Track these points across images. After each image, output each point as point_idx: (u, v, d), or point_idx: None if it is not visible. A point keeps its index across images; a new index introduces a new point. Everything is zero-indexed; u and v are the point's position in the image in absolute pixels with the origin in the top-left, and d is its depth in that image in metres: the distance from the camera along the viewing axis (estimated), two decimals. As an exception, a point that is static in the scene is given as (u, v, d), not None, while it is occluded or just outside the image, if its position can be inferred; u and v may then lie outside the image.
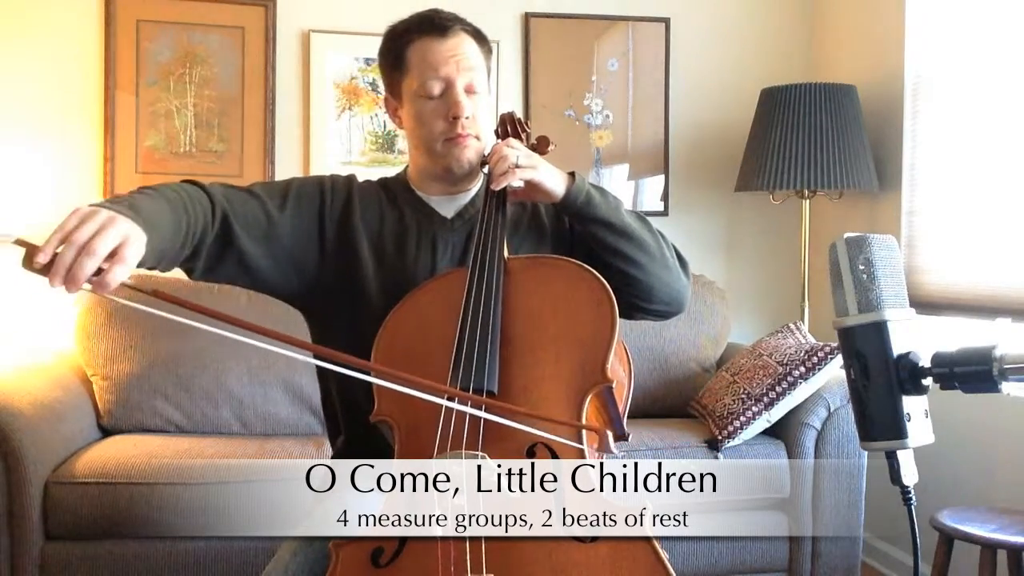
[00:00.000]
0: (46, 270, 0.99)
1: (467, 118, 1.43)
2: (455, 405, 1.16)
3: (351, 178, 1.55)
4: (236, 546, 2.30)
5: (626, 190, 3.39)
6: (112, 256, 1.02)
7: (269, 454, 2.40)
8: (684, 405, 2.87)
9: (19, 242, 1.00)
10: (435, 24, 1.44)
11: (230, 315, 1.04)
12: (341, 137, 3.14)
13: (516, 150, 1.40)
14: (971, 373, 0.88)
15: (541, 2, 3.28)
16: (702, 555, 2.46)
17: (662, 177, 3.40)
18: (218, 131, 3.07)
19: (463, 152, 1.45)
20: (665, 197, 3.40)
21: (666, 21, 3.38)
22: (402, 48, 1.47)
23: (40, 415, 2.30)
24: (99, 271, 1.01)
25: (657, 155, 3.40)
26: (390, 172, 1.62)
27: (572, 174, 1.43)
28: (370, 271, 1.45)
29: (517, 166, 1.37)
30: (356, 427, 1.49)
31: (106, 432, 2.65)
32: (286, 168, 3.11)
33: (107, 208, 1.07)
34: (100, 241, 1.01)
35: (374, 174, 1.65)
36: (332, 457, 1.56)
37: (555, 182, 1.40)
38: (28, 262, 1.00)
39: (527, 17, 3.25)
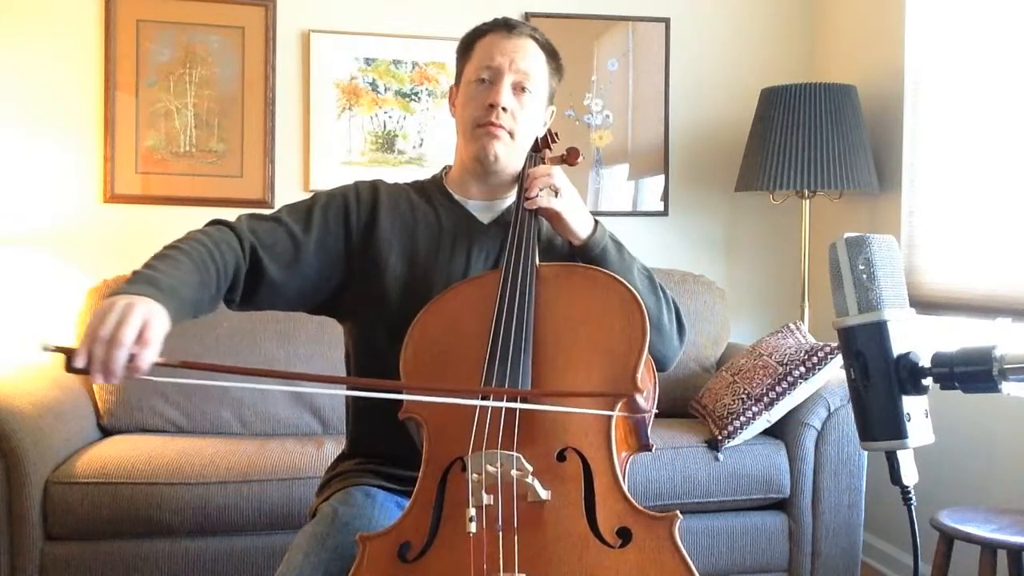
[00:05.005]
0: (86, 370, 1.09)
1: (504, 110, 1.46)
2: (491, 403, 1.18)
3: (376, 183, 1.57)
4: (236, 546, 2.30)
5: (626, 190, 3.39)
6: (139, 340, 1.09)
7: (269, 454, 2.40)
8: (684, 405, 2.87)
9: (58, 349, 1.10)
10: (507, 24, 1.53)
11: (259, 368, 1.13)
12: (341, 137, 3.14)
13: (556, 177, 1.44)
14: (971, 373, 0.88)
15: (541, 2, 3.28)
16: (702, 555, 2.46)
17: (662, 177, 3.40)
18: (218, 131, 3.07)
19: (492, 142, 1.47)
20: (665, 197, 3.40)
21: (666, 21, 3.39)
22: (474, 40, 1.54)
23: (40, 415, 2.30)
24: (132, 357, 1.09)
25: (657, 155, 3.40)
26: (390, 172, 1.63)
27: (597, 222, 1.47)
28: (398, 271, 1.47)
29: (554, 190, 1.42)
30: (367, 426, 1.50)
31: (106, 432, 2.65)
32: (286, 168, 3.11)
33: (125, 294, 1.15)
34: (124, 330, 1.09)
35: (374, 174, 1.66)
36: (340, 456, 1.56)
37: (580, 224, 1.44)
38: (68, 365, 1.09)
39: (527, 17, 3.25)
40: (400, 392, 1.28)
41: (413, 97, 3.18)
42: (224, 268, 1.34)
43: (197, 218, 3.29)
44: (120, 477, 2.27)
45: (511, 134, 1.48)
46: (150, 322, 1.12)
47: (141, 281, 1.20)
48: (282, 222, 1.46)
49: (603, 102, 3.35)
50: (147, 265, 1.26)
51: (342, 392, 1.62)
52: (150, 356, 1.10)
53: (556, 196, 1.43)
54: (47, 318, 2.89)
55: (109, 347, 1.08)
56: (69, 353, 1.09)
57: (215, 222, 1.43)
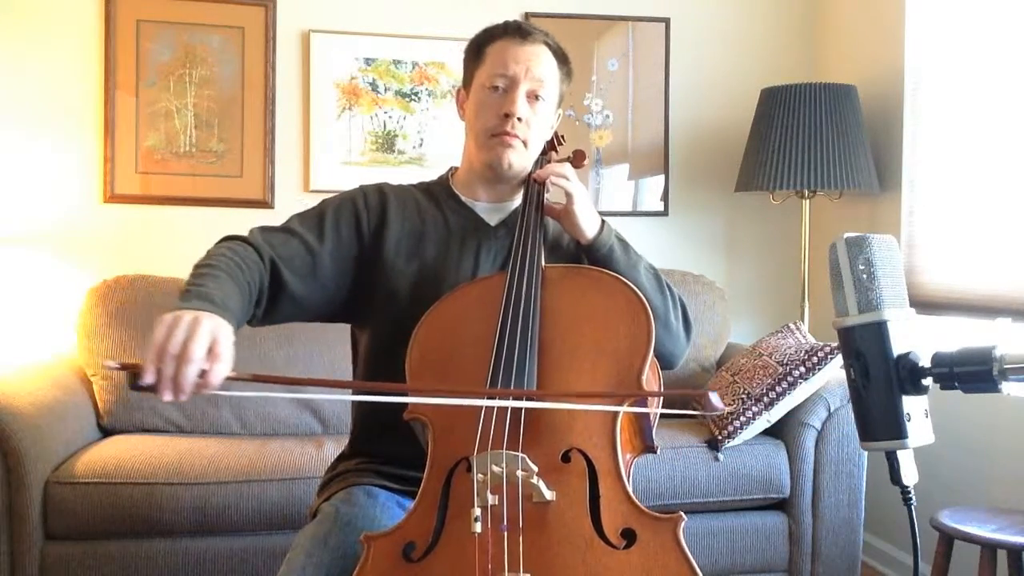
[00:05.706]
0: (153, 388, 1.04)
1: (519, 119, 1.46)
2: (497, 402, 1.18)
3: (382, 186, 1.57)
4: (236, 546, 2.30)
5: (626, 190, 3.39)
6: (209, 354, 1.07)
7: (269, 454, 2.40)
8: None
9: (123, 367, 1.06)
10: (520, 29, 1.51)
11: (324, 379, 1.11)
12: (341, 137, 3.14)
13: (569, 176, 1.46)
14: (971, 373, 0.88)
15: (541, 2, 3.28)
16: (702, 555, 2.46)
17: (662, 177, 3.40)
18: (218, 131, 3.07)
19: (506, 151, 1.47)
20: (665, 197, 3.40)
21: (666, 21, 3.39)
22: (485, 44, 1.52)
23: (40, 415, 2.30)
24: (202, 372, 1.06)
25: (657, 155, 3.40)
26: (390, 172, 1.63)
27: (604, 221, 1.48)
28: (407, 273, 1.47)
29: (566, 179, 1.43)
30: (373, 428, 1.51)
31: (106, 432, 2.65)
32: (286, 168, 3.11)
33: (187, 308, 1.12)
34: (194, 346, 1.06)
35: (374, 174, 1.67)
36: (340, 456, 1.56)
37: (588, 221, 1.45)
38: (133, 383, 1.04)
39: (527, 17, 3.25)
40: (406, 395, 1.28)
41: (413, 97, 3.18)
42: (253, 283, 1.34)
43: (197, 218, 3.29)
44: (120, 477, 2.27)
45: (525, 143, 1.48)
46: (219, 337, 1.09)
47: (195, 297, 1.18)
48: (295, 233, 1.45)
49: (603, 102, 3.35)
50: (191, 284, 1.24)
51: (348, 397, 1.60)
52: (223, 371, 1.08)
53: (567, 193, 1.44)
54: (47, 318, 2.89)
55: (179, 363, 1.05)
56: (135, 370, 1.05)
57: (230, 238, 1.41)
